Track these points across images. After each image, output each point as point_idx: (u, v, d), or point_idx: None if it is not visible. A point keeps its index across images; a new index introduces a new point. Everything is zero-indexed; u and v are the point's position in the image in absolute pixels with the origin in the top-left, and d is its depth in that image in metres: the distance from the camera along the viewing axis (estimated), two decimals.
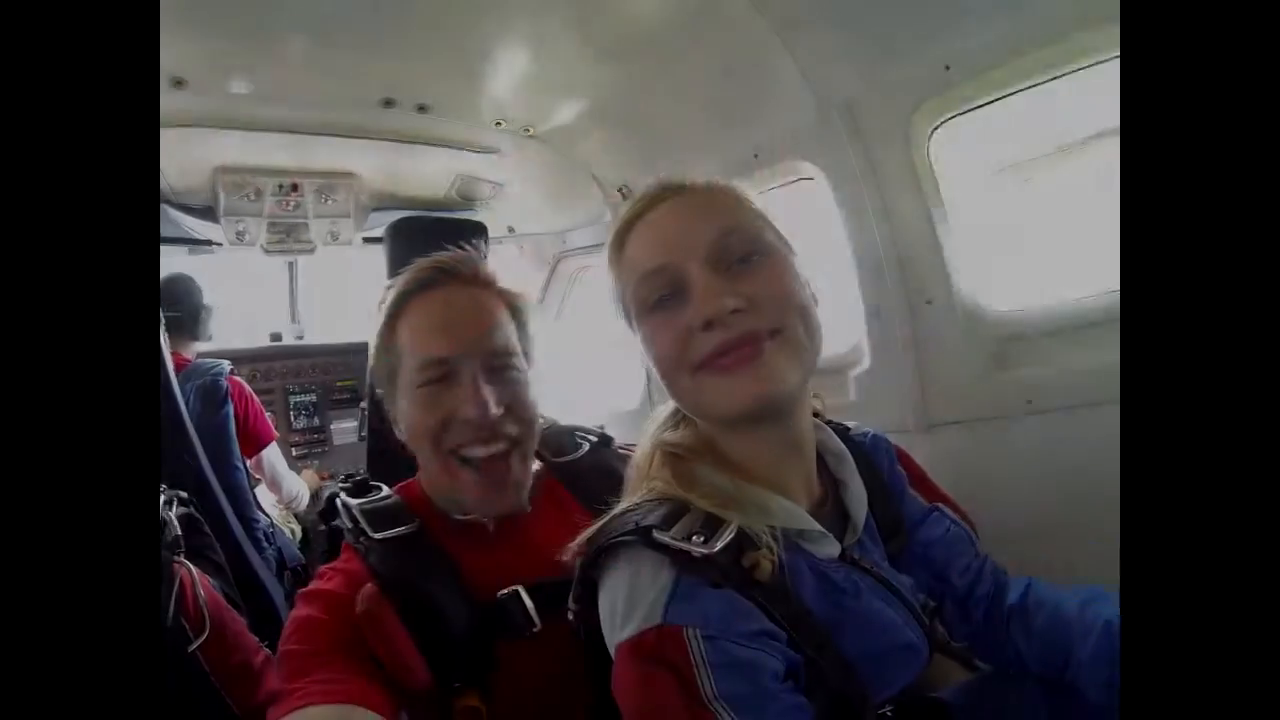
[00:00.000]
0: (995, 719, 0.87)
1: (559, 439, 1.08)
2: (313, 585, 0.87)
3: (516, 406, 0.92)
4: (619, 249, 0.78)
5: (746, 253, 0.71)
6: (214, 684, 0.95)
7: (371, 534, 0.89)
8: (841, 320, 1.53)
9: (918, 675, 0.78)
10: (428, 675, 0.79)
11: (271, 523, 2.20)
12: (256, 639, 1.10)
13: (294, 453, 2.96)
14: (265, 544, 2.04)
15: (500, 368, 0.92)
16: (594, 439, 1.11)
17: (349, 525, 0.92)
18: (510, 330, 0.95)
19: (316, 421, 3.04)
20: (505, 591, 0.87)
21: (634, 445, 1.12)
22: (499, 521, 0.94)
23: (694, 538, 0.65)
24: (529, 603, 0.86)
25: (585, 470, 1.03)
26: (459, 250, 0.98)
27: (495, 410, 0.88)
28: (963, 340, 1.36)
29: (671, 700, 0.60)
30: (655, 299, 0.72)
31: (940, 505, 0.92)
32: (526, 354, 0.97)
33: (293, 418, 3.02)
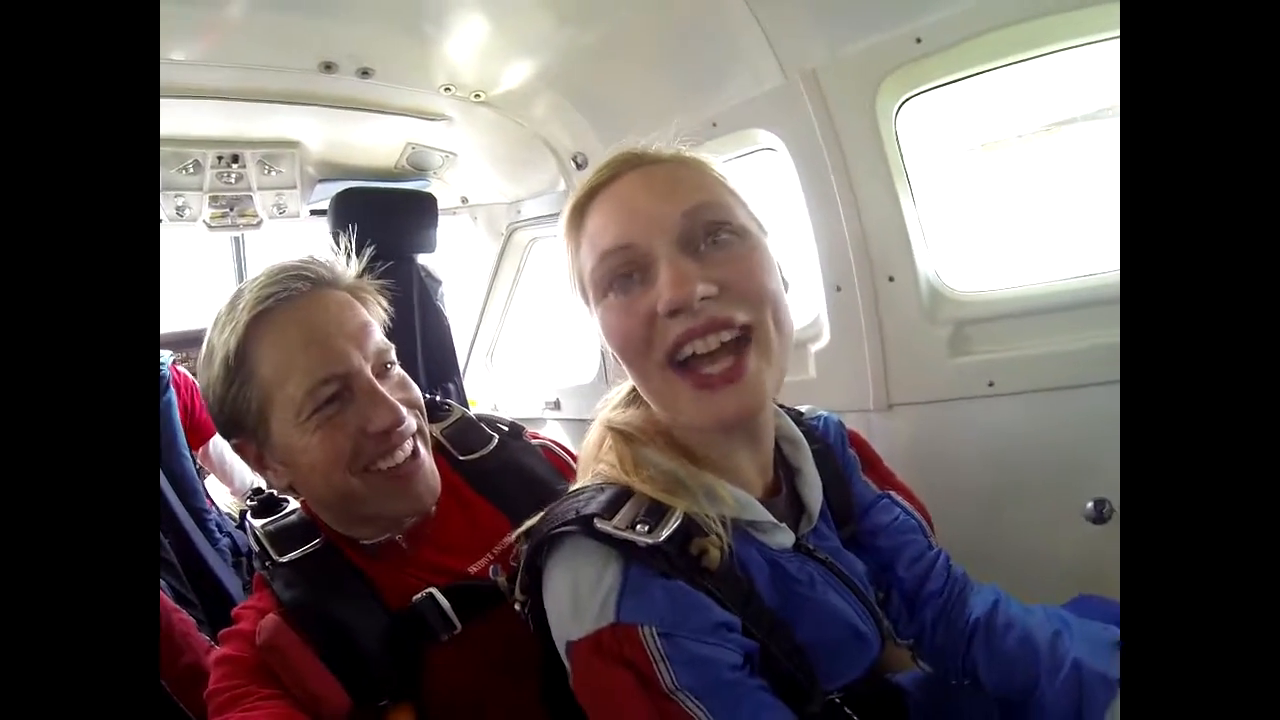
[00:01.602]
0: (950, 712, 0.87)
1: (466, 434, 1.01)
2: (232, 627, 0.82)
3: (410, 400, 0.87)
4: (578, 221, 0.73)
5: (717, 233, 0.67)
6: (162, 687, 0.92)
7: (276, 558, 0.84)
8: (802, 294, 1.51)
9: (869, 666, 0.78)
10: (344, 700, 0.75)
11: (219, 513, 2.13)
12: (207, 639, 1.06)
13: None
14: (218, 535, 1.97)
15: (387, 366, 0.86)
16: (504, 429, 1.05)
17: (256, 550, 0.87)
18: (373, 325, 0.87)
19: None
20: (419, 596, 0.83)
21: (543, 435, 1.10)
22: (409, 533, 0.89)
23: (638, 526, 0.63)
24: (445, 604, 0.82)
25: (493, 468, 0.98)
26: (306, 257, 0.88)
27: (405, 412, 0.83)
28: (925, 319, 1.35)
29: (634, 696, 0.59)
30: (617, 278, 0.68)
31: (891, 493, 0.90)
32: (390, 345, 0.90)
33: None
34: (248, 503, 0.95)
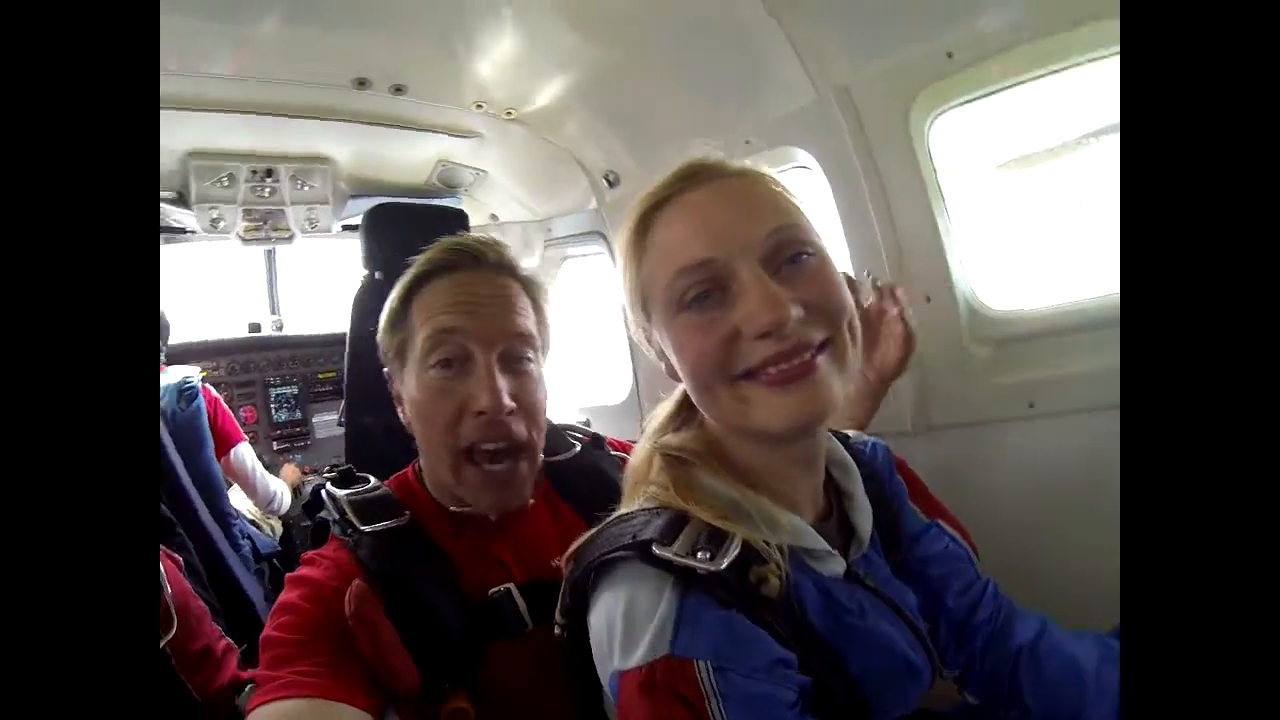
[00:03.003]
0: None
1: (552, 438, 1.02)
2: (300, 570, 0.83)
3: (528, 404, 0.87)
4: (643, 233, 0.70)
5: (798, 253, 0.65)
6: (176, 672, 0.93)
7: (360, 526, 0.84)
8: None
9: (921, 697, 0.74)
10: (417, 678, 0.75)
11: (244, 519, 2.15)
12: (219, 628, 1.08)
13: (275, 446, 2.89)
14: (240, 540, 2.00)
15: (516, 358, 0.87)
16: (585, 438, 1.06)
17: (336, 517, 0.87)
18: (530, 319, 0.90)
19: (298, 414, 2.95)
20: (497, 590, 0.84)
21: (621, 443, 1.08)
22: (499, 514, 0.90)
23: (699, 553, 0.61)
24: (521, 603, 0.83)
25: (576, 472, 0.99)
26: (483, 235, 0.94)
27: (509, 403, 0.83)
28: (963, 340, 1.31)
29: None
30: (693, 296, 0.65)
31: (939, 521, 0.87)
32: (543, 347, 0.93)
33: (274, 410, 2.93)
34: (325, 475, 0.97)
